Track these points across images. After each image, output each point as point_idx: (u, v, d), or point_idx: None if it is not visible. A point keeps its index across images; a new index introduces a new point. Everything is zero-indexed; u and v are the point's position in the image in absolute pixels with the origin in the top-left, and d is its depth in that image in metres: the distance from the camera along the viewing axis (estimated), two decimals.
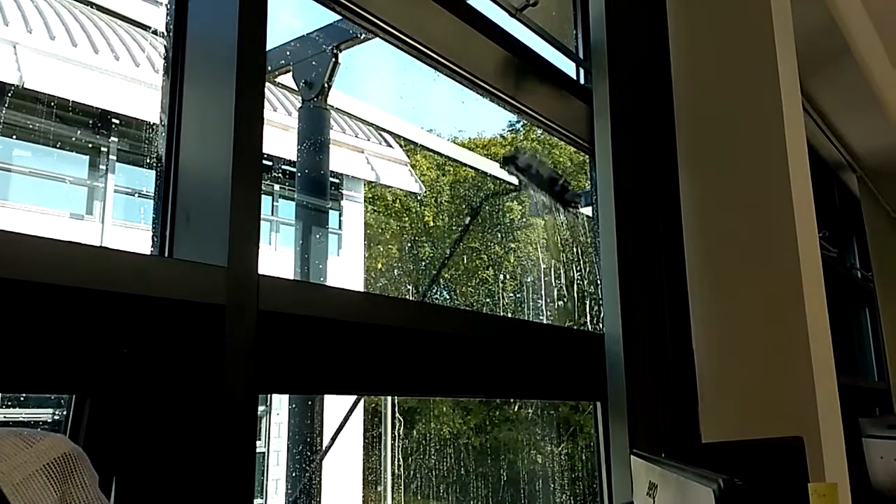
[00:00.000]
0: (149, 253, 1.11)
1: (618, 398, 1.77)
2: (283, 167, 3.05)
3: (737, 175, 2.07)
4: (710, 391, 2.00)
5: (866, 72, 3.21)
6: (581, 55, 2.19)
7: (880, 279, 4.15)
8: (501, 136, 5.13)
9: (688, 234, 2.12)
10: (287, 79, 2.47)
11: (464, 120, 5.04)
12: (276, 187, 3.21)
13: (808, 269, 1.94)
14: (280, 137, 2.72)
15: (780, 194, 1.97)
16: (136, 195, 2.50)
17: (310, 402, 2.22)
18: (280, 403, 2.91)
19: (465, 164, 4.64)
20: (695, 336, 2.05)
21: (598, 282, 1.95)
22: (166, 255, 1.09)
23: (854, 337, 4.60)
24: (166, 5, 1.19)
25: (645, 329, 1.86)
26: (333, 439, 2.19)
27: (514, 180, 2.34)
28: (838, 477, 1.86)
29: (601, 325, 1.90)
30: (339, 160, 3.66)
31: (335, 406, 2.43)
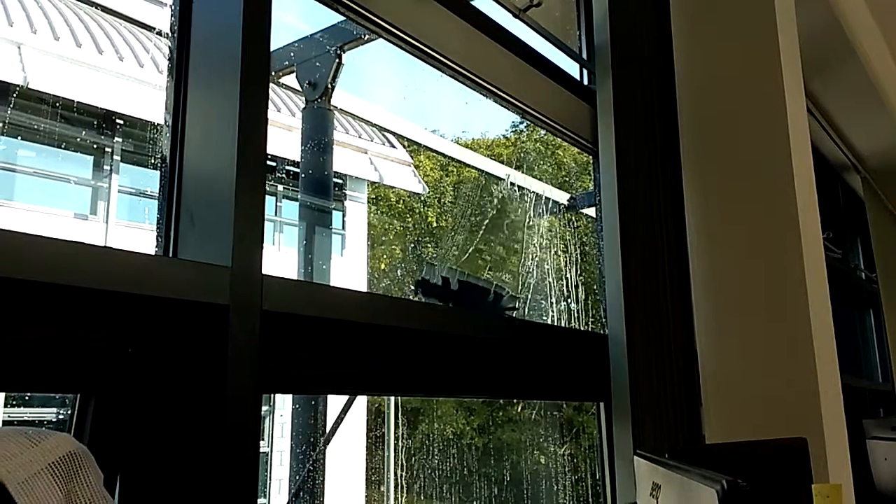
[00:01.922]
0: (153, 253, 1.11)
1: (621, 399, 1.77)
2: (287, 168, 3.05)
3: (741, 176, 2.07)
4: (714, 392, 2.00)
5: (870, 72, 3.20)
6: (584, 56, 2.20)
7: (884, 280, 4.13)
8: (505, 136, 5.13)
9: (691, 235, 2.12)
10: (291, 79, 2.48)
11: (467, 120, 5.03)
12: (280, 188, 3.21)
13: (812, 269, 1.93)
14: (284, 138, 2.72)
15: (784, 195, 1.97)
16: (141, 195, 2.50)
17: (313, 402, 2.23)
18: (283, 403, 2.91)
19: (469, 165, 4.64)
20: (698, 337, 2.05)
21: (602, 282, 1.95)
22: (170, 255, 1.09)
23: (858, 338, 4.58)
24: (171, 6, 1.20)
25: (648, 330, 1.86)
26: (333, 431, 2.16)
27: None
28: (842, 478, 1.86)
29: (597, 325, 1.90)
30: (343, 161, 3.66)
31: (336, 406, 2.43)
